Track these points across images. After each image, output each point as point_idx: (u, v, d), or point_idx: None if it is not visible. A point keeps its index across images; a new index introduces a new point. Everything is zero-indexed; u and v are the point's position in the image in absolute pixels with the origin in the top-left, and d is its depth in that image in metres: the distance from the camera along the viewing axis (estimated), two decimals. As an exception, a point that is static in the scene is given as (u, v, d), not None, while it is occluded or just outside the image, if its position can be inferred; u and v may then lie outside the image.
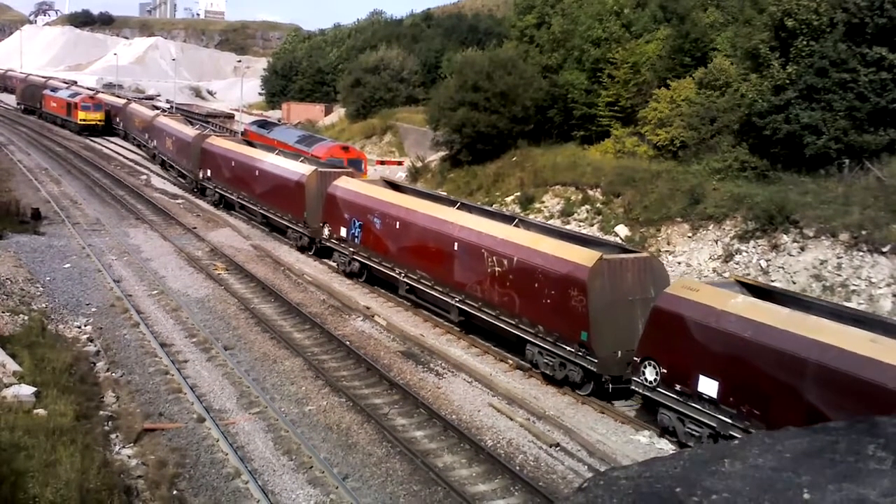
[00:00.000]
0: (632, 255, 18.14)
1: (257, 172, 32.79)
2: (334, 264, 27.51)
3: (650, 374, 15.60)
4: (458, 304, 20.96)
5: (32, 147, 54.93)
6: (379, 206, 24.51)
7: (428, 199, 24.60)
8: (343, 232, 26.18)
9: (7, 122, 69.38)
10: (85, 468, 11.16)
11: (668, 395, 15.30)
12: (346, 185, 26.76)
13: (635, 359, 15.97)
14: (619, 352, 16.65)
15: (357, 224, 25.35)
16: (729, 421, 14.29)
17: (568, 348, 17.38)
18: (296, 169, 30.28)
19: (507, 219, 22.10)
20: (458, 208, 22.87)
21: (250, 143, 39.35)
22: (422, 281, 22.42)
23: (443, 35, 68.78)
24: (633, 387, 16.23)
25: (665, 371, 15.32)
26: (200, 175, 39.27)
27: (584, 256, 17.24)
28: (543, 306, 17.91)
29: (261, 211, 33.05)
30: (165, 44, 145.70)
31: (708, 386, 14.51)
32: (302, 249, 29.76)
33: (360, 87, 62.19)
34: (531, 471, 13.97)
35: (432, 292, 22.03)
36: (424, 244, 22.20)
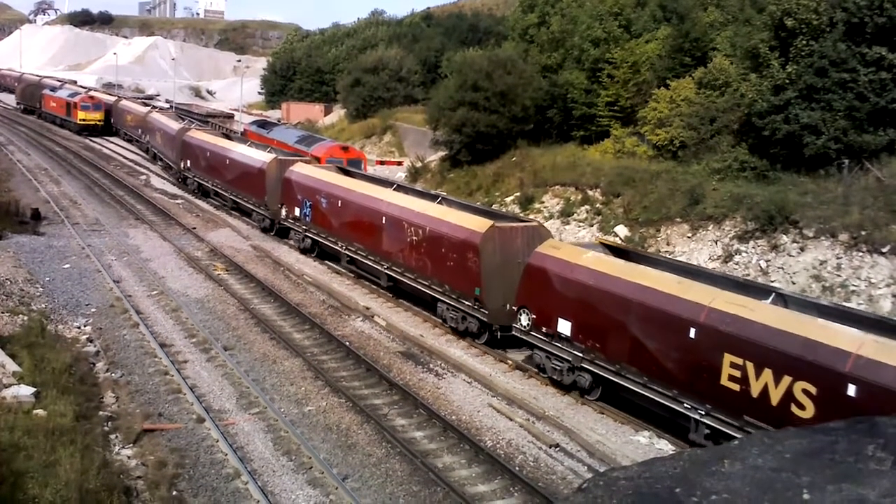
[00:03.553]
0: (521, 224, 21.02)
1: (227, 161, 35.79)
2: (293, 242, 30.45)
3: (524, 319, 18.48)
4: (386, 271, 24.05)
5: (32, 147, 54.93)
6: (325, 187, 27.73)
7: (367, 181, 27.89)
8: (297, 212, 29.47)
9: (7, 122, 69.35)
10: (84, 469, 11.16)
11: (537, 337, 18.09)
12: (299, 170, 30.13)
13: (513, 308, 18.83)
14: (508, 305, 19.23)
15: (308, 204, 28.61)
16: (579, 355, 16.92)
17: (466, 303, 20.28)
18: (258, 157, 33.56)
19: (433, 197, 24.97)
20: (394, 189, 25.64)
21: (226, 136, 42.63)
22: (358, 252, 25.61)
23: (443, 34, 68.75)
24: (513, 332, 18.90)
25: (535, 316, 18.14)
26: (182, 165, 41.71)
27: (479, 224, 20.09)
28: (448, 268, 20.82)
29: (231, 196, 36.12)
30: (165, 43, 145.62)
31: (564, 326, 17.27)
32: (265, 230, 32.71)
33: (360, 87, 62.17)
34: (531, 471, 13.97)
35: (367, 261, 25.18)
36: (360, 219, 25.32)
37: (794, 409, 12.61)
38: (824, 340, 12.49)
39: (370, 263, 24.89)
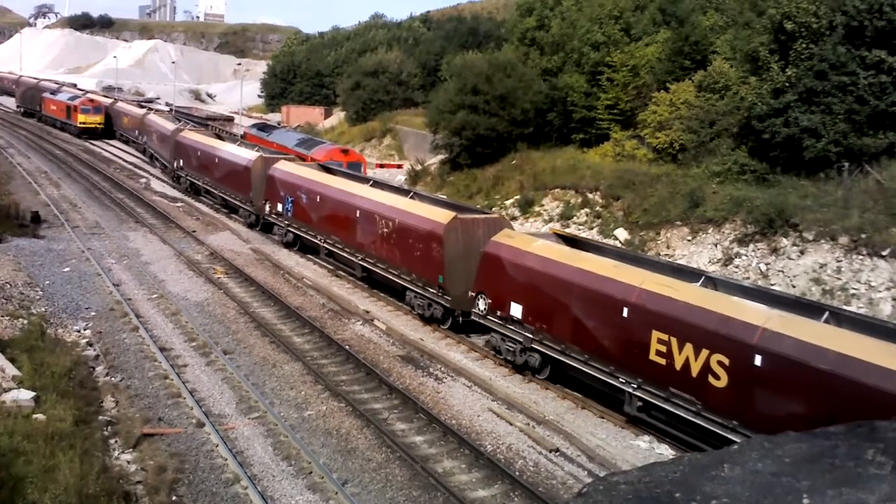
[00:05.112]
0: (483, 216, 22.25)
1: (217, 160, 37.09)
2: (277, 236, 31.70)
3: (482, 304, 19.51)
4: (360, 262, 25.28)
5: (32, 150, 54.94)
6: (305, 183, 29.08)
7: (344, 178, 28.96)
8: (280, 208, 30.75)
9: (7, 125, 69.39)
10: (84, 473, 11.15)
11: (493, 321, 19.14)
12: (282, 167, 31.54)
13: (471, 293, 19.82)
14: (469, 292, 20.10)
15: (289, 200, 29.91)
16: (530, 336, 17.95)
17: (432, 290, 21.41)
18: (244, 155, 35.00)
19: (405, 192, 26.28)
20: (370, 186, 26.70)
21: (217, 136, 44.00)
22: (336, 245, 26.76)
23: (442, 38, 68.81)
24: (472, 317, 19.93)
25: (491, 301, 19.17)
26: (175, 164, 42.72)
27: (443, 216, 21.19)
28: (415, 258, 21.92)
29: (220, 194, 37.37)
30: (165, 46, 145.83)
31: (516, 310, 18.29)
32: (250, 226, 33.87)
33: (360, 90, 62.26)
34: (531, 476, 13.94)
35: (343, 253, 26.37)
36: (337, 214, 26.53)
37: (710, 379, 13.71)
38: (736, 316, 13.52)
39: (346, 255, 26.13)
